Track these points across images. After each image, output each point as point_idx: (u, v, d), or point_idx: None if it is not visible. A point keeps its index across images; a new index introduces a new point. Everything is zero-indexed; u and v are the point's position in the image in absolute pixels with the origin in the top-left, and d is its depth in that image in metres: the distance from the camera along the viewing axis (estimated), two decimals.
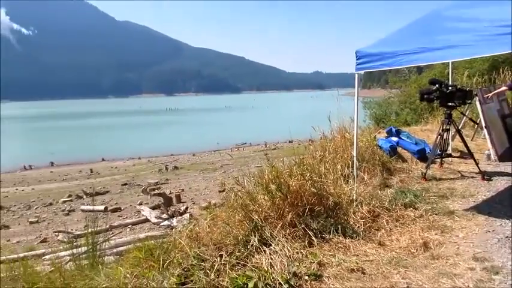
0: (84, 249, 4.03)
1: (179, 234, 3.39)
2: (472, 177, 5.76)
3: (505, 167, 6.22)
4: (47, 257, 6.86)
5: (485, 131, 6.79)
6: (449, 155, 6.46)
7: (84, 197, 14.28)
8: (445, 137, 6.00)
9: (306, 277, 2.93)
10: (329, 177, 4.48)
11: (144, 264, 3.00)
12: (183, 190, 13.75)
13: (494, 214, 4.19)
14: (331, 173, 4.68)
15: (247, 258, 3.06)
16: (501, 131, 7.16)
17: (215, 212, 3.82)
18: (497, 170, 6.04)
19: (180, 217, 9.60)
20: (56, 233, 9.77)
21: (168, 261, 2.94)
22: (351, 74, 4.75)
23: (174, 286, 2.70)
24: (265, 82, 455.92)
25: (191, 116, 69.91)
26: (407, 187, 5.23)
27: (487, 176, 5.63)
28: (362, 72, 4.73)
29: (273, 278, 2.82)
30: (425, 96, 5.91)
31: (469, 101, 5.98)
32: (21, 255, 6.31)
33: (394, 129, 7.38)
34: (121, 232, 9.28)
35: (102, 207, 11.68)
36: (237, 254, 3.08)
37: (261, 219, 3.42)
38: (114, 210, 11.62)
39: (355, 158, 4.73)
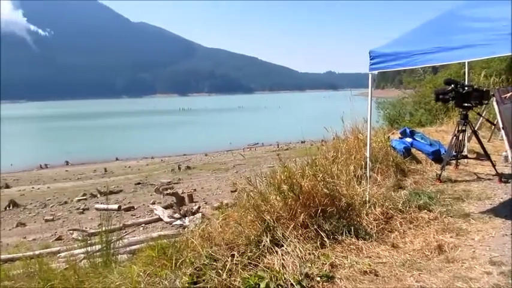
0: (98, 247, 4.08)
1: (191, 234, 3.40)
2: (489, 179, 5.65)
3: None
4: (62, 254, 6.98)
5: (502, 132, 6.63)
6: (465, 157, 6.34)
7: (98, 195, 14.48)
8: (460, 138, 5.90)
9: (318, 278, 2.91)
10: (342, 178, 4.44)
11: (157, 263, 3.02)
12: (195, 190, 13.82)
13: None
14: (343, 173, 4.63)
15: (259, 259, 3.05)
16: None
17: (227, 212, 3.83)
18: None
19: (192, 217, 9.65)
20: (71, 231, 9.93)
21: (180, 261, 2.95)
22: (365, 74, 4.71)
23: (186, 285, 2.72)
24: (278, 82, 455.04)
25: (204, 116, 70.29)
26: (421, 189, 5.16)
27: (504, 178, 5.51)
28: (376, 72, 4.69)
29: (284, 278, 2.81)
30: (440, 96, 5.82)
31: (486, 101, 5.88)
32: (37, 252, 6.44)
33: (408, 130, 7.29)
34: (134, 231, 9.36)
35: (115, 206, 11.82)
36: (249, 254, 3.07)
37: (273, 219, 3.42)
38: (128, 209, 11.74)
39: (368, 159, 4.69)
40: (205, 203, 11.50)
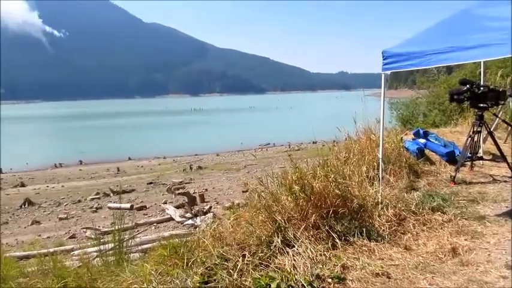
0: (110, 245, 4.13)
1: (203, 234, 3.42)
2: (505, 181, 5.53)
3: None
4: (76, 252, 7.09)
5: None
6: (481, 158, 6.22)
7: (111, 195, 14.65)
8: (476, 139, 5.79)
9: (329, 280, 2.89)
10: (354, 179, 4.40)
11: (169, 262, 3.04)
12: (206, 190, 13.88)
13: None
14: (355, 174, 4.59)
15: (270, 259, 3.05)
16: None
17: (238, 212, 3.83)
18: None
19: (203, 216, 9.70)
20: (84, 230, 10.07)
21: (191, 260, 2.97)
22: (377, 75, 4.67)
23: (198, 285, 2.73)
24: (290, 82, 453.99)
25: (216, 116, 70.57)
26: (435, 190, 5.08)
27: None
28: (388, 72, 4.64)
29: (295, 279, 2.80)
30: (455, 96, 5.72)
31: (502, 101, 5.76)
32: (51, 250, 6.55)
33: (421, 131, 7.19)
34: (146, 230, 9.46)
35: (128, 205, 11.95)
36: (260, 254, 3.07)
37: (284, 220, 3.41)
38: (140, 209, 11.86)
39: (380, 160, 4.64)
40: (217, 203, 11.54)
